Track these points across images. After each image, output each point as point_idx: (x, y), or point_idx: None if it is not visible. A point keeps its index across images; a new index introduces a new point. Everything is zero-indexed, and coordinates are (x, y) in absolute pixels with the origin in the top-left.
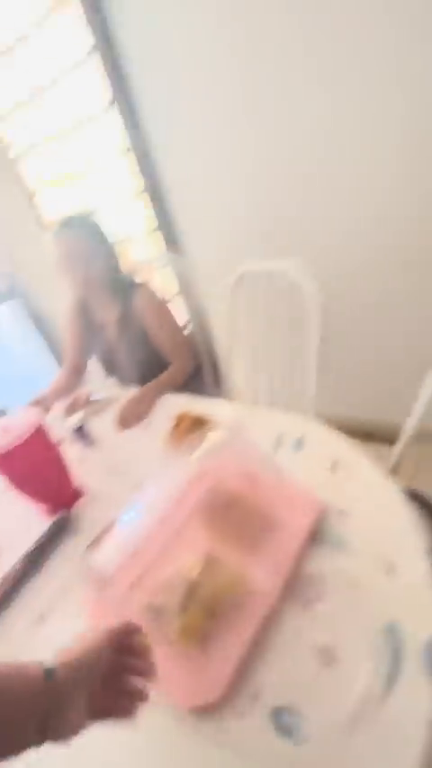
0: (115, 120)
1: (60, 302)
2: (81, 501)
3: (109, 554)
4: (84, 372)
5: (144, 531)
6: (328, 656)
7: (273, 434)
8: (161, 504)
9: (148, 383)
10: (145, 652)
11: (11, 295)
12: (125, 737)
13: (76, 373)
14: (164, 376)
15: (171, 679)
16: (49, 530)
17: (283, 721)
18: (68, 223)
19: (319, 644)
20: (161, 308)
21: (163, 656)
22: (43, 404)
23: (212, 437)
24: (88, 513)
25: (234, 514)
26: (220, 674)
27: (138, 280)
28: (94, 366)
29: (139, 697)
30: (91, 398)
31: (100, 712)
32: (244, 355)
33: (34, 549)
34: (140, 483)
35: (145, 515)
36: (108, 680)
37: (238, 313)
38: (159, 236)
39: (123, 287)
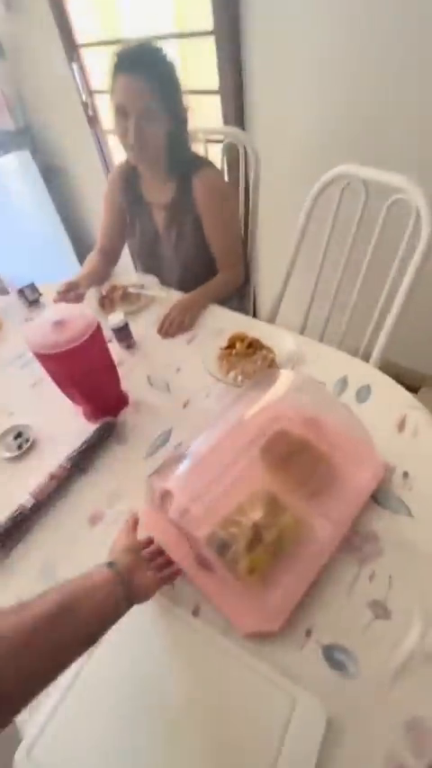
0: None
1: (79, 158)
2: (125, 408)
3: (173, 481)
4: (117, 260)
5: (210, 465)
6: (380, 610)
7: (335, 378)
8: (228, 440)
9: (197, 290)
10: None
11: (21, 143)
12: (183, 655)
13: (108, 260)
14: (213, 284)
15: (233, 606)
16: (96, 433)
17: (335, 657)
18: (138, 58)
19: (373, 598)
20: (225, 200)
21: (225, 584)
22: (74, 290)
23: (285, 377)
24: (131, 422)
25: (299, 461)
26: (280, 607)
27: (204, 158)
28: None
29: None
30: (130, 291)
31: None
32: (302, 278)
33: (80, 452)
34: (186, 400)
35: (211, 449)
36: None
37: (310, 227)
38: (225, 101)
39: (186, 163)
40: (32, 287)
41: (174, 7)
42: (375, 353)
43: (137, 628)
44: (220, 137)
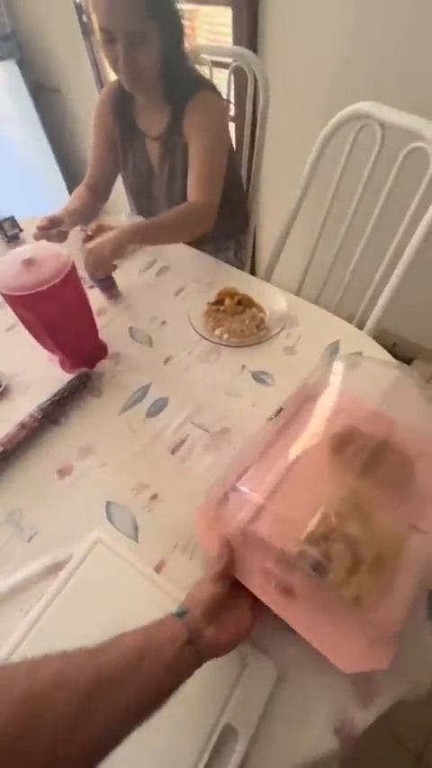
0: None
1: (72, 73)
2: (103, 360)
3: (245, 487)
4: (107, 196)
5: (278, 468)
6: None
7: (326, 342)
8: (293, 440)
9: (144, 220)
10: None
11: (7, 51)
12: None
13: (98, 196)
14: (168, 215)
15: (333, 641)
16: (70, 384)
17: None
18: None
19: None
20: (215, 124)
21: (320, 615)
22: (57, 226)
23: (336, 366)
24: (109, 375)
25: (380, 463)
26: (387, 638)
27: (202, 80)
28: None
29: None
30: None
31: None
32: (304, 232)
33: (53, 402)
34: (168, 356)
35: (276, 451)
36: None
37: (317, 173)
38: (236, 15)
39: (183, 86)
40: (12, 221)
41: None
42: (371, 320)
43: (99, 578)
44: (228, 59)
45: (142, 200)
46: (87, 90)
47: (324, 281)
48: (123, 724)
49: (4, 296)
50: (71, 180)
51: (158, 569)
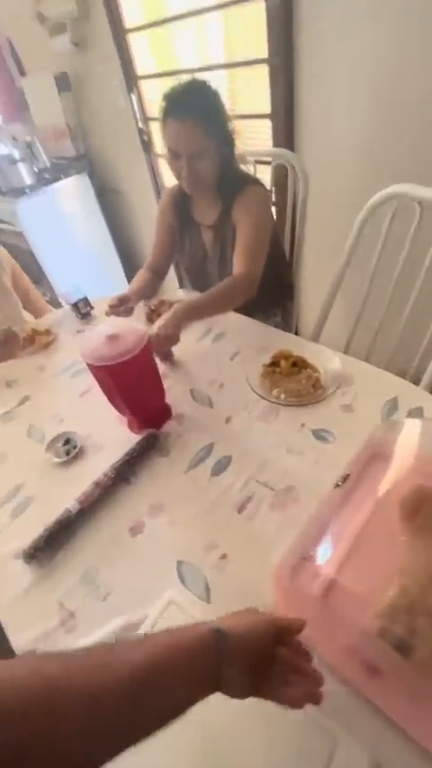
0: None
1: (131, 180)
2: (169, 421)
3: (316, 558)
4: (164, 276)
5: (350, 535)
6: None
7: (384, 399)
8: (364, 503)
9: (196, 297)
10: (307, 654)
11: (80, 167)
12: None
13: (157, 276)
14: (216, 289)
15: (427, 723)
16: (139, 444)
17: None
18: (185, 100)
19: None
20: (259, 212)
21: (411, 693)
22: (125, 304)
23: (400, 425)
24: (174, 435)
25: None
26: None
27: (248, 177)
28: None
29: (306, 694)
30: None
31: (262, 690)
32: (348, 298)
33: (124, 462)
34: (228, 416)
35: (347, 517)
36: (267, 666)
37: (358, 245)
38: (275, 124)
39: (232, 183)
40: (85, 300)
41: (223, 38)
42: (427, 374)
43: None
44: (269, 158)
45: (198, 279)
46: (142, 190)
47: (372, 340)
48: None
49: (90, 366)
50: (127, 264)
51: None
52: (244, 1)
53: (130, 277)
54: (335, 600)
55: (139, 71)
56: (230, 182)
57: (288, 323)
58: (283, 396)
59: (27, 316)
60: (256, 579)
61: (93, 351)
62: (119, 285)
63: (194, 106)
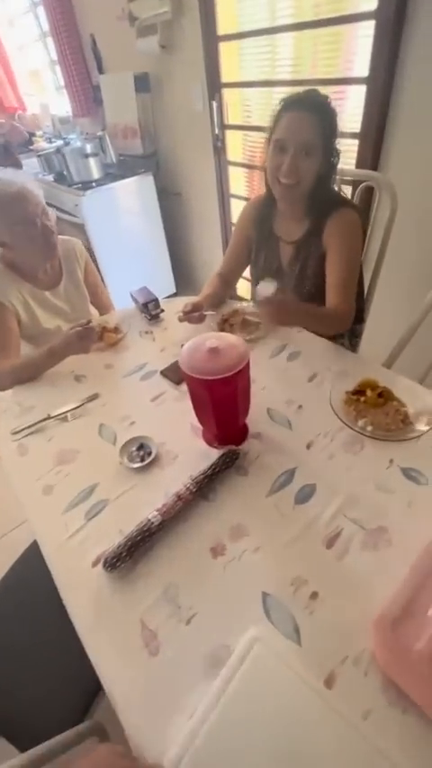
0: None
1: (195, 184)
2: (247, 439)
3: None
4: (234, 286)
5: None
6: None
7: None
8: None
9: (301, 303)
10: None
11: (146, 166)
12: None
13: (227, 284)
14: (320, 309)
15: None
16: (221, 460)
17: None
18: (307, 100)
19: None
20: (354, 238)
21: None
22: (198, 310)
23: None
24: (252, 454)
25: None
26: None
27: (344, 198)
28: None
29: None
30: (248, 319)
31: None
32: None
33: (206, 476)
34: (309, 441)
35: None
36: None
37: None
38: (362, 144)
39: (326, 203)
40: (156, 302)
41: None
42: None
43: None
44: (355, 178)
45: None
46: (203, 195)
47: None
48: None
49: (189, 377)
50: (176, 266)
51: (329, 684)
52: (351, 21)
53: (178, 278)
54: None
55: (224, 78)
56: (325, 200)
57: (354, 346)
58: (369, 427)
59: (92, 311)
60: (352, 625)
61: (194, 362)
62: (167, 286)
63: (315, 106)
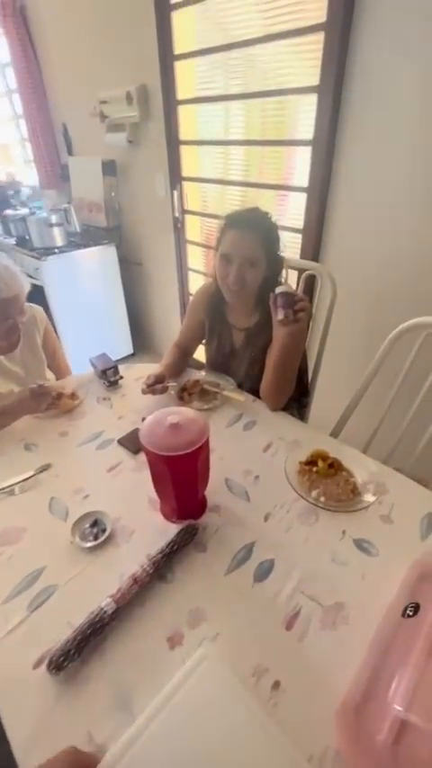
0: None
1: (154, 256)
2: (206, 512)
3: (392, 701)
4: (191, 355)
5: (420, 667)
6: None
7: (421, 513)
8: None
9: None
10: None
11: (110, 238)
12: None
13: (185, 353)
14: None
15: None
16: (179, 536)
17: None
18: (248, 219)
19: None
20: (305, 335)
21: None
22: (160, 382)
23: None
24: (211, 528)
25: None
26: None
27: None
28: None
29: None
30: (206, 389)
31: None
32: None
33: (164, 555)
34: (267, 513)
35: (420, 654)
36: None
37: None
38: (306, 238)
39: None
40: (115, 369)
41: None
42: None
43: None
44: (301, 267)
45: (219, 370)
46: (163, 266)
47: (393, 448)
48: None
49: (150, 453)
50: (134, 329)
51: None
52: (291, 145)
53: (135, 342)
54: (408, 746)
55: (184, 173)
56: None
57: (302, 416)
58: (322, 498)
59: (49, 375)
60: (316, 717)
61: (155, 438)
62: (125, 347)
63: (256, 224)
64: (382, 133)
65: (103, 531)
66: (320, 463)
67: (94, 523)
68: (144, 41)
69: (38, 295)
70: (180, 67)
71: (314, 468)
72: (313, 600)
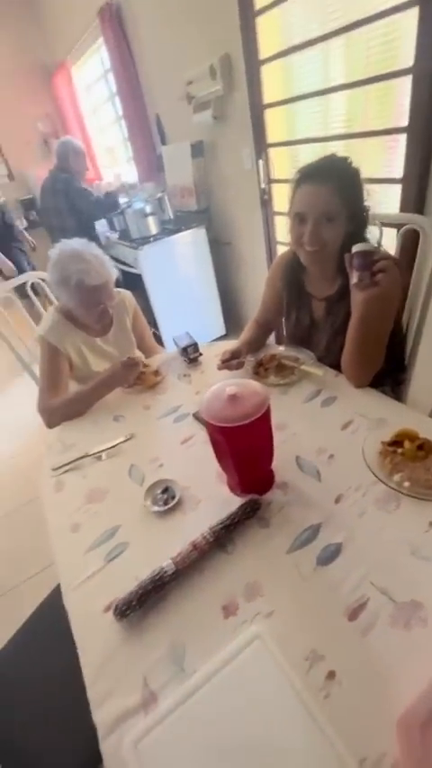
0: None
1: (244, 235)
2: (272, 489)
3: None
4: (272, 331)
5: None
6: None
7: None
8: None
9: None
10: None
11: (200, 220)
12: None
13: (264, 330)
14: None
15: None
16: (241, 509)
17: None
18: (321, 170)
19: None
20: (392, 302)
21: None
22: (236, 358)
23: None
24: (276, 505)
25: None
26: None
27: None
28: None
29: None
30: (284, 363)
31: None
32: None
33: (225, 527)
34: (338, 495)
35: None
36: None
37: None
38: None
39: None
40: (195, 346)
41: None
42: None
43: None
44: (400, 221)
45: (301, 344)
46: (252, 243)
47: None
48: None
49: (208, 424)
50: (227, 310)
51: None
52: (385, 79)
53: (228, 323)
54: None
55: (270, 139)
56: None
57: (398, 393)
58: (406, 483)
59: (139, 355)
60: (374, 719)
61: (213, 409)
62: (217, 329)
63: (331, 173)
64: None
65: (173, 498)
66: (407, 444)
67: (165, 490)
68: (223, 5)
69: (139, 282)
70: (262, 23)
71: (399, 450)
72: (384, 594)
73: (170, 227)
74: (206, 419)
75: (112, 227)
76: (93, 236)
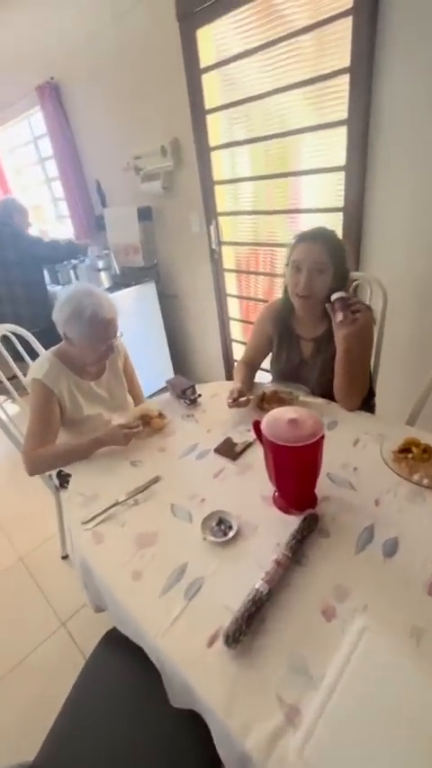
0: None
1: (191, 289)
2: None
3: None
4: (257, 370)
5: None
6: None
7: None
8: None
9: None
10: None
11: (148, 276)
12: None
13: (253, 369)
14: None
15: None
16: (306, 523)
17: None
18: (317, 234)
19: None
20: (368, 337)
21: None
22: (242, 396)
23: None
24: (329, 516)
25: None
26: None
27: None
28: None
29: None
30: (282, 396)
31: None
32: None
33: (297, 541)
34: (376, 498)
35: None
36: None
37: None
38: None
39: None
40: (192, 388)
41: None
42: None
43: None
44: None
45: (289, 380)
46: (201, 296)
47: None
48: None
49: (278, 447)
50: (173, 354)
51: None
52: (321, 172)
53: (177, 370)
54: None
55: (219, 209)
56: None
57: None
58: (425, 480)
59: (128, 399)
60: None
61: (279, 432)
62: (166, 372)
63: (324, 236)
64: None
65: (230, 527)
66: (415, 449)
67: (219, 521)
68: (174, 102)
69: None
70: (212, 120)
71: (409, 455)
72: None
73: (120, 282)
74: (275, 441)
75: (55, 280)
76: (41, 288)
